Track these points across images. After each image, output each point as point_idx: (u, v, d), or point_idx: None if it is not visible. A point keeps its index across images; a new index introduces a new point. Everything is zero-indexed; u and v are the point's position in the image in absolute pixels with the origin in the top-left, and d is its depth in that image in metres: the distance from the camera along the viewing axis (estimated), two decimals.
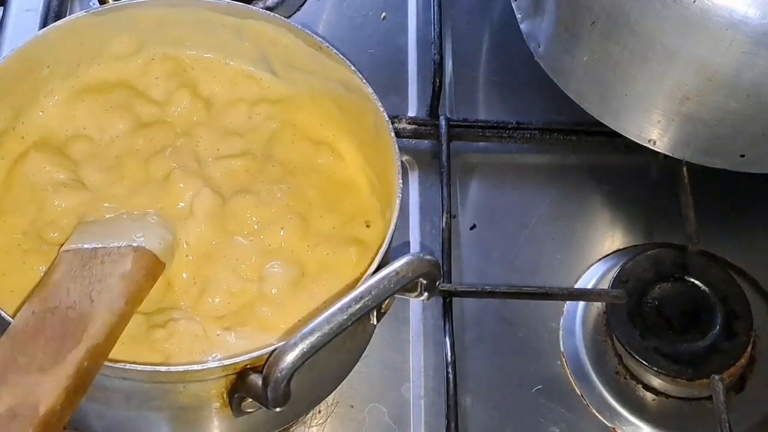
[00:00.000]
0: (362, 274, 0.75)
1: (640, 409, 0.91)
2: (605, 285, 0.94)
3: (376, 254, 0.75)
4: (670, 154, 0.93)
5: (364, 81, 0.82)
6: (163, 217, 0.80)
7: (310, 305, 0.78)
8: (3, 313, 0.70)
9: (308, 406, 0.84)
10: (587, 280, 0.97)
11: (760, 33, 0.83)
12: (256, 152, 0.85)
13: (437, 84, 1.02)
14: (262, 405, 0.68)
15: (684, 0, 0.84)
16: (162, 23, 0.86)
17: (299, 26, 0.85)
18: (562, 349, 0.93)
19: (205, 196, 0.81)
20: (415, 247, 0.97)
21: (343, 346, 0.77)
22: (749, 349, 0.90)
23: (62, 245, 0.77)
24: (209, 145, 0.85)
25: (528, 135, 1.03)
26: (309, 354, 0.66)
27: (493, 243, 0.99)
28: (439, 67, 1.04)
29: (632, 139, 0.93)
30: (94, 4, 1.08)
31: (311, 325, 0.67)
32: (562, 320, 0.95)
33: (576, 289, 0.96)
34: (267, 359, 0.67)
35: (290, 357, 0.66)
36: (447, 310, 0.91)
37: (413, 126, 1.02)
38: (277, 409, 0.67)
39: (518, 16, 1.00)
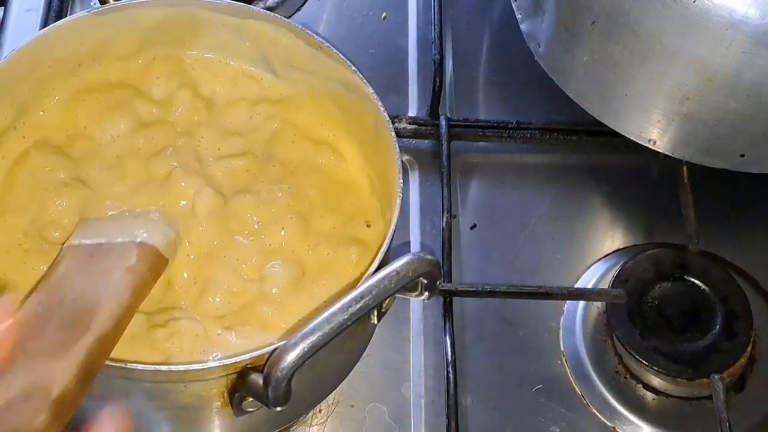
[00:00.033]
0: (362, 273, 0.75)
1: (640, 409, 0.91)
2: (605, 285, 0.94)
3: (376, 254, 0.75)
4: (670, 154, 0.93)
5: (364, 81, 0.82)
6: (165, 215, 0.80)
7: (310, 305, 0.78)
8: None
9: (309, 405, 0.84)
10: (587, 280, 0.97)
11: (760, 33, 0.83)
12: (257, 152, 0.85)
13: (437, 84, 1.02)
14: (263, 404, 0.68)
15: (684, 0, 0.84)
16: (162, 23, 0.86)
17: (299, 26, 0.85)
18: (562, 349, 0.93)
19: (206, 195, 0.81)
20: (415, 246, 0.97)
21: (343, 345, 0.77)
22: (749, 348, 0.91)
23: (64, 243, 0.77)
24: (210, 144, 0.85)
25: (528, 135, 1.03)
26: (310, 353, 0.66)
27: (493, 243, 0.99)
28: (440, 67, 1.04)
29: (632, 139, 0.93)
30: (94, 4, 1.08)
31: (312, 325, 0.67)
32: (562, 320, 0.95)
33: (576, 288, 0.96)
34: (268, 358, 0.67)
35: (291, 356, 0.66)
36: (447, 310, 0.92)
37: (413, 126, 1.02)
38: (278, 409, 0.67)
39: (518, 16, 1.00)
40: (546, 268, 0.98)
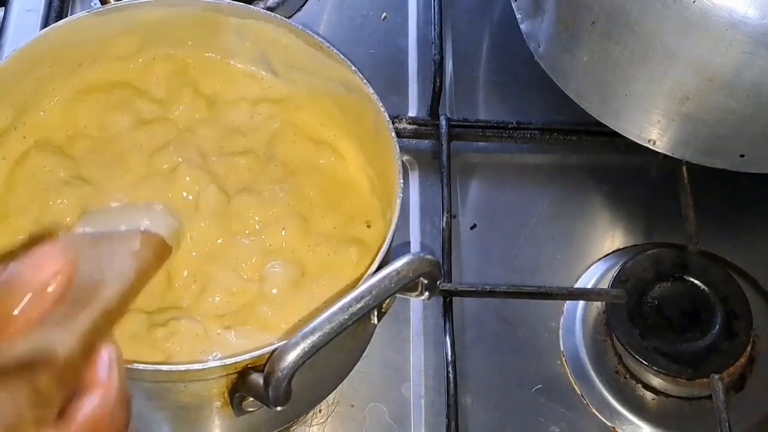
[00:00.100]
0: (363, 274, 0.75)
1: (639, 409, 0.91)
2: (605, 285, 0.94)
3: (376, 254, 0.75)
4: (670, 154, 0.93)
5: (364, 81, 0.81)
6: (168, 207, 0.80)
7: (310, 305, 0.78)
8: None
9: (309, 405, 0.84)
10: (587, 280, 0.97)
11: (760, 33, 0.83)
12: (259, 151, 0.85)
13: (437, 84, 1.02)
14: (264, 404, 0.68)
15: (684, 0, 0.84)
16: (163, 23, 0.86)
17: (300, 26, 0.85)
18: (562, 349, 0.93)
19: (211, 192, 0.81)
20: (415, 246, 0.97)
21: (343, 345, 0.77)
22: (749, 348, 0.91)
23: None
24: (212, 142, 0.85)
25: (528, 135, 1.03)
26: (310, 353, 0.66)
27: (493, 243, 0.99)
28: (440, 67, 1.04)
29: (632, 139, 0.93)
30: (95, 4, 1.08)
31: (312, 325, 0.67)
32: (562, 320, 0.95)
33: (576, 288, 0.96)
34: (268, 358, 0.67)
35: (291, 356, 0.66)
36: (447, 310, 0.92)
37: (413, 126, 1.02)
38: (278, 409, 0.67)
39: (518, 16, 1.00)
40: (546, 268, 0.98)
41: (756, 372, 0.92)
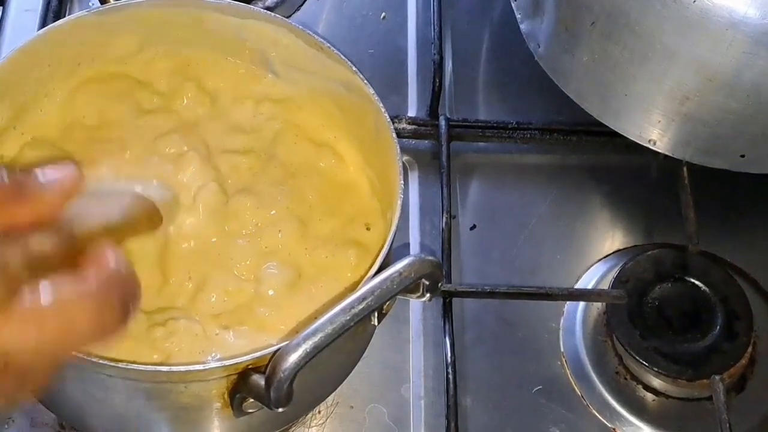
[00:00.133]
0: (362, 276, 0.75)
1: (640, 410, 0.91)
2: (605, 285, 0.94)
3: (376, 256, 0.75)
4: (670, 154, 0.93)
5: (365, 82, 0.81)
6: (164, 184, 0.80)
7: (308, 307, 0.78)
8: None
9: (308, 406, 0.84)
10: (587, 281, 0.97)
11: (760, 33, 0.82)
12: (260, 151, 0.85)
13: (437, 84, 1.02)
14: (265, 405, 0.68)
15: (684, 0, 0.84)
16: (163, 23, 0.86)
17: (300, 26, 0.85)
18: (562, 350, 0.93)
19: (211, 190, 0.81)
20: (415, 247, 0.97)
21: (344, 346, 0.77)
22: (749, 349, 0.91)
23: None
24: (216, 137, 0.85)
25: (528, 135, 1.03)
26: (312, 354, 0.66)
27: (493, 243, 0.99)
28: (439, 67, 1.04)
29: (632, 139, 0.93)
30: (93, 4, 1.08)
31: (314, 326, 0.67)
32: (562, 320, 0.95)
33: (576, 289, 0.96)
34: (270, 359, 0.67)
35: (293, 357, 0.66)
36: (447, 311, 0.91)
37: (413, 126, 1.02)
38: (279, 410, 0.67)
39: (518, 16, 1.00)
40: (546, 268, 0.98)
41: (757, 373, 0.92)
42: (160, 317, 0.76)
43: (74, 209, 0.65)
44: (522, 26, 1.00)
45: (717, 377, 0.88)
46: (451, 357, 0.89)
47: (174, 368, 0.69)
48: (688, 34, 0.85)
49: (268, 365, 0.67)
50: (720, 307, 0.91)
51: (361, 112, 0.83)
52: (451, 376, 0.88)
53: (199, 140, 0.84)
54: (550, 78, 0.96)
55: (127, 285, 0.56)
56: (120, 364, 0.68)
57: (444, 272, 0.92)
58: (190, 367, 0.69)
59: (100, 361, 0.68)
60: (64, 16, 1.05)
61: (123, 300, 0.55)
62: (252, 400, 0.70)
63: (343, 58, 0.83)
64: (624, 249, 0.99)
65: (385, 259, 0.74)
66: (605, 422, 0.90)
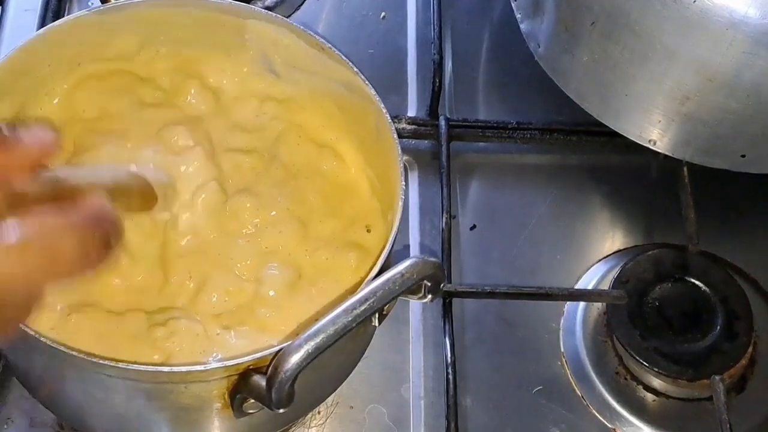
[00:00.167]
0: (362, 278, 0.75)
1: (640, 410, 0.91)
2: (605, 285, 0.94)
3: (377, 258, 0.75)
4: (670, 154, 0.93)
5: (366, 82, 0.81)
6: (161, 168, 0.80)
7: (309, 308, 0.78)
8: None
9: (309, 407, 0.84)
10: (587, 281, 0.97)
11: (761, 33, 0.83)
12: (263, 151, 0.85)
13: (437, 84, 1.02)
14: (265, 406, 0.68)
15: (684, 0, 0.83)
16: (163, 23, 0.86)
17: (301, 26, 0.84)
18: (562, 350, 0.93)
19: (211, 189, 0.81)
20: (415, 247, 0.97)
21: (344, 347, 0.77)
22: (750, 349, 0.91)
23: None
24: (220, 135, 0.85)
25: (528, 135, 1.03)
26: (314, 355, 0.66)
27: (493, 243, 0.99)
28: (439, 67, 1.03)
29: (632, 139, 0.93)
30: (92, 3, 1.08)
31: (316, 327, 0.67)
32: (562, 321, 0.95)
33: (576, 289, 0.96)
34: (271, 360, 0.67)
35: (295, 358, 0.66)
36: (447, 311, 0.91)
37: (413, 126, 1.02)
38: (281, 411, 0.67)
39: (518, 16, 1.00)
40: (546, 268, 0.98)
41: (757, 373, 0.92)
42: (161, 317, 0.76)
43: (64, 170, 0.65)
44: (522, 26, 1.00)
45: (717, 377, 0.88)
46: (451, 357, 0.89)
47: (174, 369, 0.69)
48: (688, 34, 0.85)
49: (269, 366, 0.67)
50: (720, 307, 0.91)
51: (362, 112, 0.82)
52: (451, 377, 0.88)
53: (204, 136, 0.84)
54: (550, 78, 0.96)
55: (108, 220, 0.58)
56: (120, 364, 0.68)
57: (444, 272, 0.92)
58: (191, 368, 0.69)
59: (100, 361, 0.68)
60: (64, 16, 1.04)
61: (104, 233, 0.57)
62: (252, 400, 0.70)
63: (344, 58, 0.82)
64: (624, 249, 0.99)
65: (385, 261, 0.74)
66: (605, 422, 0.90)
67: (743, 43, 0.83)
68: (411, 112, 1.05)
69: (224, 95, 0.87)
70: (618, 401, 0.91)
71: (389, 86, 1.05)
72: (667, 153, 0.93)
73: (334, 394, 0.84)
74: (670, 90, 0.88)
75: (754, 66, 0.84)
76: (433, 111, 1.02)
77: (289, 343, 0.67)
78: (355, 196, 0.84)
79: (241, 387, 0.69)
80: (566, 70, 0.95)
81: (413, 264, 0.70)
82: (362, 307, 0.68)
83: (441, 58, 1.04)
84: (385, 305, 0.70)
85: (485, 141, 1.02)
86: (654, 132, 0.92)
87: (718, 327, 0.90)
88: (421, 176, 1.01)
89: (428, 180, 1.00)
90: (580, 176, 1.03)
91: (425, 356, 0.92)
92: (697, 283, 0.93)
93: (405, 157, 1.01)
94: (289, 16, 1.09)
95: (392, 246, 0.75)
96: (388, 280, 0.69)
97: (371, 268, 0.74)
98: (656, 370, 0.89)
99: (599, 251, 0.99)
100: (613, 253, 0.98)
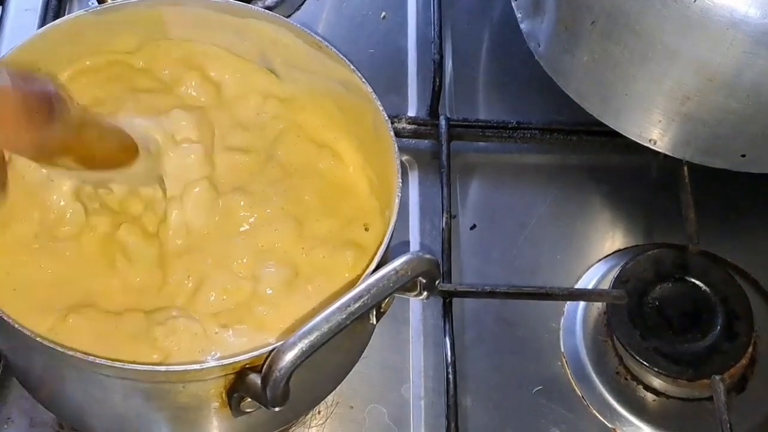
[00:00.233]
0: (359, 276, 0.75)
1: (640, 410, 0.90)
2: (606, 285, 0.94)
3: (374, 254, 0.75)
4: (671, 154, 0.93)
5: (364, 81, 0.81)
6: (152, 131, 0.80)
7: (306, 306, 0.78)
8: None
9: (308, 406, 0.84)
10: (587, 281, 0.97)
11: (761, 32, 0.82)
12: (261, 150, 0.85)
13: (437, 84, 1.02)
14: (262, 404, 0.68)
15: (684, 0, 0.83)
16: (162, 23, 0.86)
17: (300, 26, 0.85)
18: (562, 350, 0.93)
19: (201, 187, 0.81)
20: (415, 246, 0.97)
21: (342, 345, 0.77)
22: (750, 349, 0.91)
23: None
24: (219, 129, 0.85)
25: (528, 135, 1.02)
26: (308, 353, 0.66)
27: (493, 243, 0.99)
28: (439, 66, 1.03)
29: (632, 139, 0.93)
30: (92, 3, 1.08)
31: (310, 325, 0.67)
32: (562, 320, 0.95)
33: (576, 289, 0.96)
34: (266, 359, 0.67)
35: (289, 356, 0.66)
36: (447, 311, 0.91)
37: (413, 126, 1.02)
38: (276, 409, 0.67)
39: (518, 16, 1.00)
40: (546, 268, 0.97)
41: (757, 373, 0.92)
42: (160, 316, 0.76)
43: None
44: (522, 26, 1.00)
45: (717, 377, 0.88)
46: (451, 357, 0.89)
47: (171, 368, 0.69)
48: (689, 34, 0.84)
49: (264, 364, 0.67)
50: (720, 307, 0.91)
51: (360, 111, 0.82)
52: (451, 376, 0.88)
53: (208, 129, 0.84)
54: (550, 78, 0.96)
55: (48, 84, 0.60)
56: (117, 364, 0.68)
57: (444, 272, 0.92)
58: (188, 367, 0.69)
59: (98, 361, 0.68)
60: (64, 16, 1.05)
61: (45, 93, 0.60)
62: (250, 399, 0.70)
63: (342, 57, 0.83)
64: (624, 249, 0.99)
65: (382, 258, 0.74)
66: (605, 422, 0.90)
67: (744, 43, 0.83)
68: (411, 112, 1.05)
69: (226, 90, 0.87)
70: (618, 401, 0.91)
71: (389, 86, 1.05)
72: (667, 153, 0.93)
73: (334, 394, 0.84)
74: (671, 90, 0.88)
75: (755, 66, 0.84)
76: (433, 111, 1.02)
77: (283, 341, 0.67)
78: (354, 195, 0.84)
79: (238, 386, 0.69)
80: (566, 69, 0.95)
81: (408, 260, 0.70)
82: (357, 305, 0.68)
83: (441, 57, 1.04)
84: (382, 302, 0.70)
85: (485, 141, 1.02)
86: (654, 132, 0.92)
87: (719, 327, 0.90)
88: (421, 176, 1.01)
89: (428, 179, 1.00)
90: (580, 176, 1.03)
91: (425, 356, 0.92)
92: (697, 283, 0.93)
93: (405, 157, 1.01)
94: (289, 16, 1.09)
95: (389, 242, 0.75)
96: (382, 276, 0.69)
97: (368, 266, 0.74)
98: (656, 369, 0.89)
99: (599, 251, 0.99)
100: (613, 252, 0.98)
